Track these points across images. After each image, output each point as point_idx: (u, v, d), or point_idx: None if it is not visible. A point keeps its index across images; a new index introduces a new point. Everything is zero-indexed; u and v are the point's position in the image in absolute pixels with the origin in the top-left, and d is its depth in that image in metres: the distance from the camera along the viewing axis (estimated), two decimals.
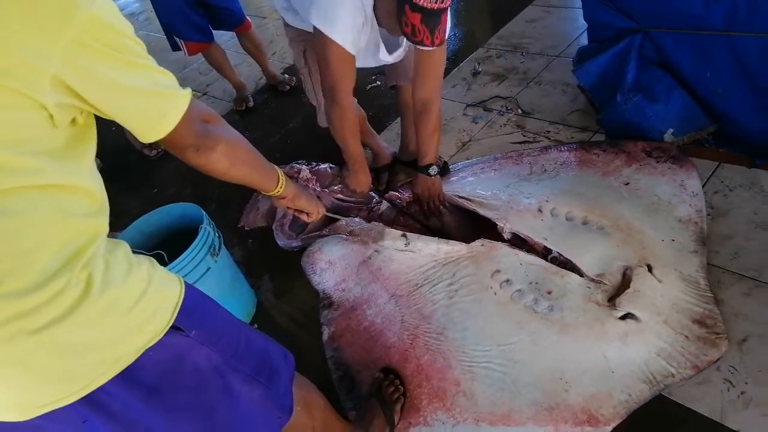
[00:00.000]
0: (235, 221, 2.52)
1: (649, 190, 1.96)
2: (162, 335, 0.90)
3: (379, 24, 1.74)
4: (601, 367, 1.53)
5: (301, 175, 2.47)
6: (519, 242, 1.79)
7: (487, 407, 1.54)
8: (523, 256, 1.73)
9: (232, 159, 1.10)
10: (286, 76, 3.42)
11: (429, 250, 1.82)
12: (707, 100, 2.08)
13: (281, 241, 2.25)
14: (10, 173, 0.76)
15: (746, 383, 1.47)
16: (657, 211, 1.88)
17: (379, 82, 3.14)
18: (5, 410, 0.85)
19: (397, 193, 2.26)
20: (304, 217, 1.55)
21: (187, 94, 0.94)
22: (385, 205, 2.21)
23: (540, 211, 1.86)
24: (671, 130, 2.12)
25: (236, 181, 1.19)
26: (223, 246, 1.99)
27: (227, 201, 2.63)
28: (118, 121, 0.88)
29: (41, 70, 0.75)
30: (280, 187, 1.34)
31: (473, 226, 1.94)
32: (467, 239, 1.83)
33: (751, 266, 1.71)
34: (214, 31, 3.10)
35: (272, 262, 2.27)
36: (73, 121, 0.83)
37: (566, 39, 2.92)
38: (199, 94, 3.34)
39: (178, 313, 0.93)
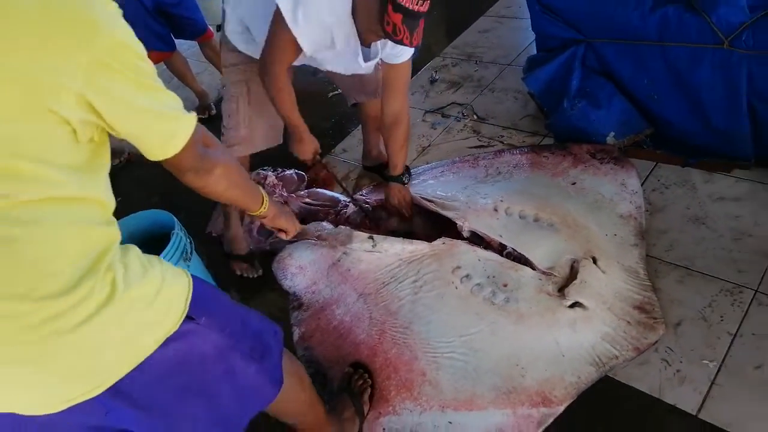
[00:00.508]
0: (203, 228, 2.58)
1: (594, 189, 2.13)
2: (178, 325, 0.98)
3: (357, 28, 1.76)
4: (553, 353, 1.67)
5: (267, 181, 2.55)
6: (477, 240, 1.92)
7: (452, 394, 1.66)
8: (481, 252, 1.86)
9: (227, 182, 1.18)
10: None
11: (395, 249, 1.93)
12: (645, 105, 2.27)
13: (252, 245, 2.32)
14: (36, 185, 0.82)
15: (681, 362, 1.64)
16: (601, 208, 2.04)
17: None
18: (32, 406, 0.91)
19: (362, 197, 2.36)
20: (282, 235, 1.66)
21: (192, 118, 1.00)
22: (351, 208, 2.31)
23: (495, 210, 1.99)
24: (613, 134, 2.30)
25: (227, 201, 1.33)
26: (194, 251, 2.05)
27: (195, 209, 2.67)
28: (128, 139, 0.94)
29: (67, 87, 0.81)
30: (264, 208, 1.45)
31: (435, 226, 2.07)
32: (430, 238, 1.95)
33: (684, 256, 1.89)
34: (176, 40, 3.14)
35: None
36: (91, 138, 0.89)
37: (517, 48, 3.09)
38: None
39: (190, 303, 1.01)
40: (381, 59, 1.90)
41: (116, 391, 0.93)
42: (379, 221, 2.24)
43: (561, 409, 1.59)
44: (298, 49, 1.76)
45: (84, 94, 0.83)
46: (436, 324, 1.76)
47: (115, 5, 0.88)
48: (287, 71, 1.87)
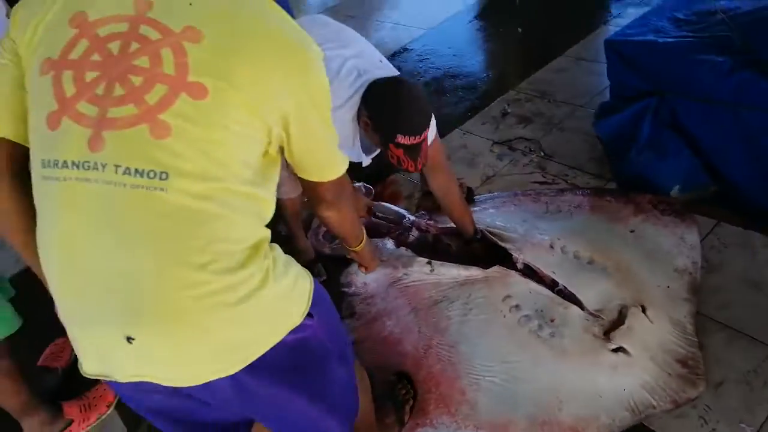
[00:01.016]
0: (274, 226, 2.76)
1: (652, 239, 2.17)
2: (303, 318, 1.08)
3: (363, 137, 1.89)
4: (591, 392, 1.73)
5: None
6: (530, 273, 2.01)
7: (488, 417, 1.74)
8: (533, 285, 1.94)
9: (343, 221, 1.45)
10: None
11: (451, 274, 2.05)
12: (713, 163, 2.29)
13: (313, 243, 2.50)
14: (239, 178, 0.97)
15: (718, 422, 1.66)
16: (656, 259, 2.08)
17: None
18: (181, 375, 0.99)
19: (424, 222, 2.46)
20: (362, 270, 1.99)
21: (346, 159, 1.19)
22: (414, 233, 2.43)
23: (552, 247, 2.07)
24: (677, 187, 2.33)
25: (334, 232, 1.58)
26: None
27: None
28: (294, 160, 1.11)
29: (279, 106, 0.98)
30: (360, 247, 1.74)
31: (491, 253, 2.16)
32: (486, 265, 2.05)
33: (735, 318, 1.91)
34: None
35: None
36: (267, 153, 1.04)
37: (591, 91, 3.14)
38: None
39: (312, 301, 1.11)
40: None
41: (252, 368, 1.01)
42: (437, 245, 2.35)
43: None
44: None
45: (288, 115, 1.00)
46: (482, 347, 1.85)
47: (319, 49, 1.04)
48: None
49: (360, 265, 1.95)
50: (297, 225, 2.43)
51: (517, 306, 1.90)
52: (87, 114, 0.91)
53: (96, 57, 0.93)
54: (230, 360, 0.99)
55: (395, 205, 2.63)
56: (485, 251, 2.21)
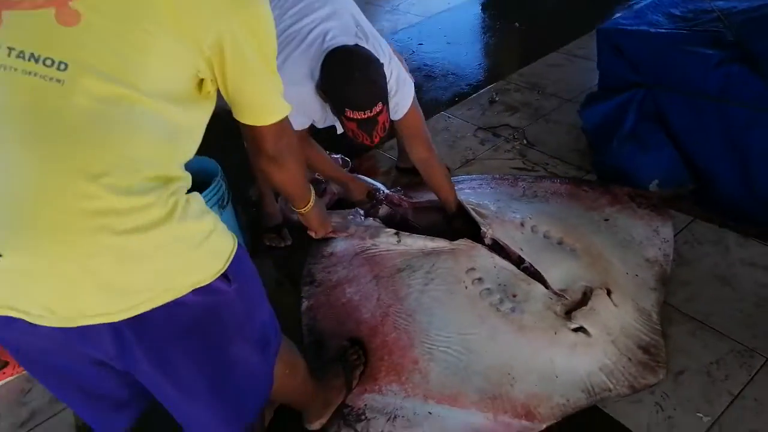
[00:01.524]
0: (244, 189, 2.70)
1: (626, 229, 2.13)
2: (214, 278, 0.95)
3: None
4: (547, 370, 1.67)
5: None
6: (497, 248, 1.95)
7: (438, 387, 1.68)
8: (498, 260, 1.88)
9: (287, 178, 1.37)
10: None
11: (418, 245, 1.99)
12: (693, 160, 2.25)
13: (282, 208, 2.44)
14: (152, 91, 0.86)
15: (674, 410, 1.61)
16: (628, 248, 2.04)
17: None
18: (55, 311, 0.86)
19: (397, 196, 2.40)
20: (310, 233, 1.86)
21: (289, 108, 1.11)
22: (385, 208, 2.36)
23: (522, 225, 2.02)
24: (656, 181, 2.29)
25: (281, 191, 1.50)
26: (230, 204, 2.15)
27: (242, 168, 2.79)
28: (229, 97, 1.03)
29: (213, 28, 0.90)
30: (306, 208, 1.64)
31: (461, 228, 2.11)
32: (454, 237, 1.99)
33: (701, 311, 1.86)
34: None
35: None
36: (205, 82, 0.95)
37: (581, 87, 3.11)
38: None
39: (230, 263, 0.99)
40: None
41: (138, 323, 0.89)
42: (405, 225, 2.28)
43: (542, 427, 1.59)
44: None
45: (222, 41, 0.91)
46: (439, 317, 1.79)
47: None
48: (305, 132, 1.98)
49: (308, 229, 1.83)
50: (267, 186, 2.36)
51: (479, 279, 1.85)
52: None
53: None
54: (115, 304, 0.87)
55: (371, 178, 2.58)
56: (465, 229, 2.15)
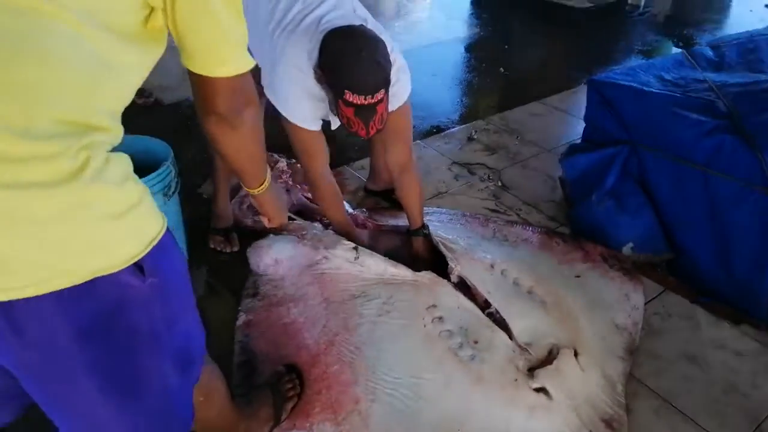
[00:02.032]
0: (196, 184, 2.46)
1: (596, 289, 2.00)
2: (123, 267, 0.76)
3: None
4: (500, 430, 1.49)
5: (277, 165, 2.44)
6: (463, 288, 1.78)
7: None
8: (462, 300, 1.71)
9: (240, 145, 1.11)
10: None
11: (377, 268, 1.79)
12: (671, 229, 2.17)
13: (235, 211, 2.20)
14: (76, 10, 0.69)
15: None
16: (597, 310, 1.90)
17: None
18: None
19: (362, 216, 2.22)
20: (264, 220, 1.58)
21: (252, 63, 0.94)
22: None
23: (492, 267, 1.86)
24: (631, 245, 2.19)
25: (231, 164, 1.20)
26: (177, 195, 1.92)
27: (197, 162, 2.56)
28: (181, 40, 0.85)
29: None
30: (259, 190, 1.36)
31: (427, 261, 1.93)
32: (417, 268, 1.81)
33: (667, 389, 1.73)
34: None
35: None
36: (151, 16, 0.79)
37: (559, 139, 3.04)
38: None
39: (150, 251, 0.79)
40: None
41: (16, 311, 0.71)
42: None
43: None
44: (315, 136, 1.75)
45: None
46: (390, 354, 1.59)
47: None
48: (325, 166, 1.85)
49: (262, 216, 1.56)
50: (224, 183, 2.14)
51: (440, 318, 1.66)
52: None
53: None
54: None
55: None
56: (425, 252, 1.99)
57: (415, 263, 1.88)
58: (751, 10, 5.51)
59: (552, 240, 2.24)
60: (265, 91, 1.71)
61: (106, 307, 0.77)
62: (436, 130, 3.13)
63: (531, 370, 1.59)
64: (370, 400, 1.52)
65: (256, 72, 1.18)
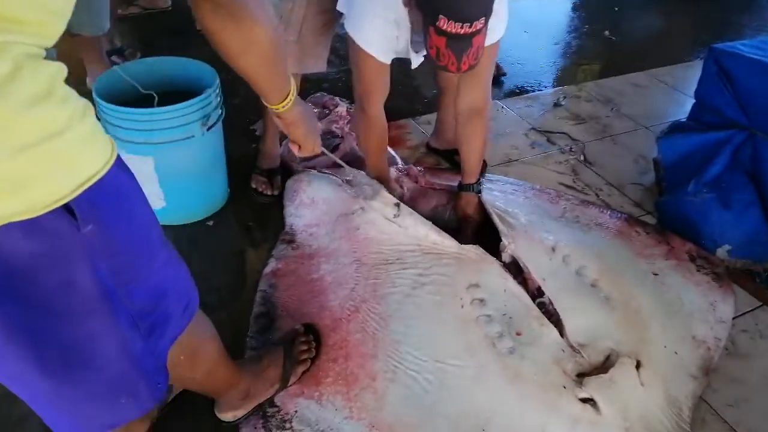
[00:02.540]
0: (251, 121, 2.34)
1: (676, 292, 1.71)
2: (44, 211, 0.60)
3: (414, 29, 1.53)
4: None
5: (337, 110, 2.27)
6: (514, 270, 1.55)
7: (390, 418, 1.30)
8: (511, 284, 1.49)
9: (249, 43, 0.90)
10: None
11: (416, 232, 1.59)
12: None
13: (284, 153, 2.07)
14: None
15: None
16: (674, 316, 1.62)
17: None
18: None
19: (416, 170, 2.02)
20: (294, 149, 1.35)
21: None
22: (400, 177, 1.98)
23: (553, 250, 1.61)
24: (728, 247, 1.86)
25: (239, 71, 0.97)
26: (220, 126, 1.79)
27: (256, 97, 2.43)
28: None
29: None
30: (283, 106, 1.13)
31: (479, 233, 1.71)
32: (464, 240, 1.59)
33: (745, 423, 1.44)
34: None
35: None
36: None
37: (662, 116, 2.66)
38: None
39: (85, 192, 0.63)
40: None
41: None
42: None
43: None
44: (381, 67, 1.58)
45: None
46: (418, 332, 1.41)
47: None
48: (381, 105, 1.69)
49: (291, 142, 1.34)
50: (273, 124, 1.99)
51: (481, 300, 1.45)
52: None
53: None
54: None
55: (393, 149, 2.19)
56: (474, 214, 1.78)
57: (461, 226, 1.67)
58: None
59: (632, 228, 1.95)
60: (338, 4, 1.58)
61: (26, 262, 0.62)
62: (519, 91, 2.83)
63: (580, 376, 1.36)
64: (388, 380, 1.35)
65: None
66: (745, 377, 1.56)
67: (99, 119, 0.75)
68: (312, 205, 1.72)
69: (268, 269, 1.68)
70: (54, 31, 0.60)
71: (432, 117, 2.40)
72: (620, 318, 1.49)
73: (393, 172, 1.93)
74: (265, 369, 1.35)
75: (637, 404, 1.35)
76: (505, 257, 1.57)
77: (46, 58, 0.60)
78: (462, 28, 1.27)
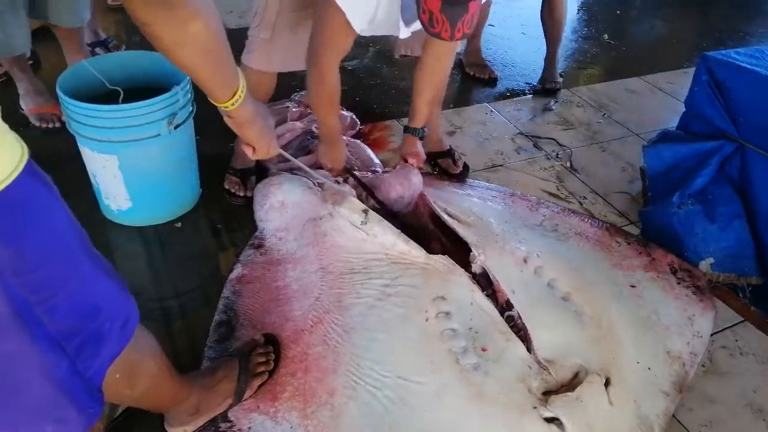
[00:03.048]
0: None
1: (653, 305, 1.66)
2: None
3: None
4: None
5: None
6: (485, 282, 1.50)
7: None
8: (478, 296, 1.44)
9: (185, 35, 0.83)
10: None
11: (384, 240, 1.54)
12: (766, 249, 1.76)
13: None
14: None
15: None
16: (649, 330, 1.57)
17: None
18: None
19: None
20: (248, 151, 1.29)
21: None
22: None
23: (524, 261, 1.57)
24: (711, 260, 1.81)
25: (178, 66, 0.91)
26: (190, 124, 1.75)
27: None
28: None
29: None
30: (232, 104, 1.05)
31: (449, 245, 1.66)
32: (432, 251, 1.55)
33: None
34: None
35: None
36: None
37: (656, 123, 2.59)
38: None
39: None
40: None
41: None
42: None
43: None
44: (349, 28, 1.48)
45: None
46: (380, 346, 1.36)
47: None
48: (337, 64, 1.62)
49: (245, 144, 1.27)
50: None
51: (447, 313, 1.41)
52: None
53: None
54: None
55: (374, 152, 2.15)
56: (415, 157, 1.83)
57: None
58: None
59: (613, 239, 1.89)
60: None
61: None
62: (510, 93, 2.77)
63: (547, 394, 1.31)
64: (347, 396, 1.30)
65: None
66: (722, 397, 1.51)
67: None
68: (281, 208, 1.68)
69: (233, 275, 1.64)
70: None
71: None
72: (591, 333, 1.44)
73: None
74: (218, 382, 1.30)
75: (603, 424, 1.30)
76: (475, 268, 1.52)
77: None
78: None
